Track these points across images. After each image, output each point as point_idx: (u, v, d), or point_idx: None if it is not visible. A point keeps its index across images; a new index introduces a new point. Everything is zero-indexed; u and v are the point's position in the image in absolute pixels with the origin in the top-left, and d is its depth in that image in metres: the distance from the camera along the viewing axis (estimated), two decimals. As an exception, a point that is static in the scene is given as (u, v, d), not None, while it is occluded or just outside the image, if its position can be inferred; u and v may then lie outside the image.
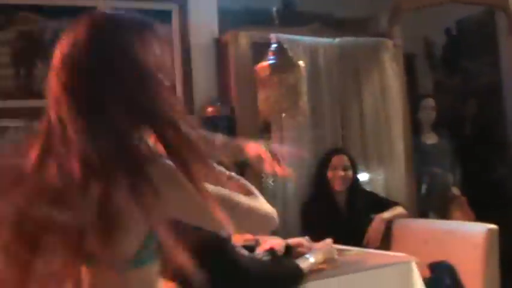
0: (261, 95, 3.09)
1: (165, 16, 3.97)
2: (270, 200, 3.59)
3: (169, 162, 1.21)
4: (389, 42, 4.34)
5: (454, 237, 3.54)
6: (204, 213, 1.24)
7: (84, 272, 1.28)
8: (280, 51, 3.04)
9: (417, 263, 2.80)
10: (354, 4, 4.97)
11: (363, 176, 4.22)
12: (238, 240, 2.84)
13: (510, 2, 4.80)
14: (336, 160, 3.89)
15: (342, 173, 3.85)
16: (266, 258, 2.67)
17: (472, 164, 5.41)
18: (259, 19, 3.86)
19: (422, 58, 6.73)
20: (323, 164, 3.94)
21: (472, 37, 6.43)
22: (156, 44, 1.30)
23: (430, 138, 4.86)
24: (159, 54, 1.29)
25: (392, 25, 4.41)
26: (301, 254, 2.69)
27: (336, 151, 3.98)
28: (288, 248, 2.85)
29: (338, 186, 3.84)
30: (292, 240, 2.95)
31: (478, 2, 5.07)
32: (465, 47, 6.46)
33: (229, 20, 4.20)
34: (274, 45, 3.05)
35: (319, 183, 3.95)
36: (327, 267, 2.65)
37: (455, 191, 4.67)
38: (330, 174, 3.88)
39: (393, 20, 4.42)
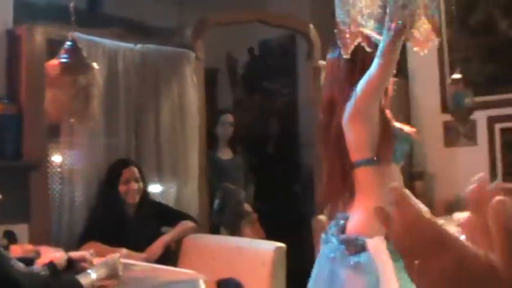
0: (49, 95, 2.87)
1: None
2: (57, 207, 3.39)
3: None
4: (192, 55, 4.27)
5: (242, 255, 3.60)
6: None
7: None
8: (74, 50, 2.85)
9: (205, 280, 2.76)
10: (161, 13, 4.87)
11: (155, 188, 4.13)
12: (16, 251, 2.63)
13: (311, 28, 5.00)
14: (127, 173, 3.76)
15: (135, 185, 3.73)
16: (44, 273, 2.47)
17: (267, 182, 5.56)
18: (61, 16, 3.62)
19: (225, 74, 5.94)
20: (114, 176, 3.78)
21: (274, 58, 6.45)
22: None
23: (226, 154, 4.89)
24: None
25: (197, 38, 4.36)
26: (84, 269, 2.53)
27: (126, 163, 3.84)
28: (70, 262, 2.67)
29: (132, 199, 3.71)
30: (75, 254, 2.78)
31: (281, 24, 5.20)
32: (266, 67, 6.41)
33: (27, 12, 3.88)
34: (68, 43, 2.85)
35: (109, 194, 3.77)
36: (110, 284, 2.51)
37: (247, 207, 4.74)
38: (122, 187, 3.73)
39: (198, 33, 4.37)
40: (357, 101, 2.28)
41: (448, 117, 5.01)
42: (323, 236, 2.47)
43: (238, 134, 5.13)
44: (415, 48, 1.94)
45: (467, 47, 4.94)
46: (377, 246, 2.19)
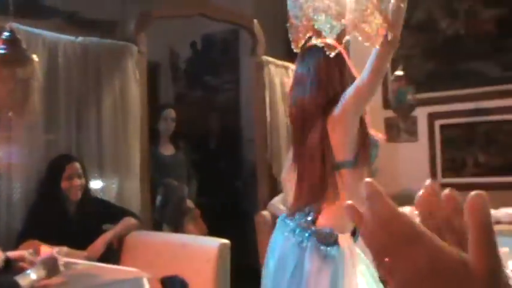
0: (-15, 89, 2.76)
1: None
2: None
3: None
4: (134, 48, 4.19)
5: (187, 251, 3.57)
6: None
7: None
8: (13, 41, 2.76)
9: (149, 278, 2.72)
10: (103, 5, 4.78)
11: (97, 184, 4.05)
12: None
13: (255, 23, 4.98)
14: (70, 169, 3.66)
15: (78, 181, 3.65)
16: (-20, 274, 2.39)
17: (209, 177, 5.52)
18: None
19: (166, 68, 5.81)
20: (56, 172, 3.67)
21: (216, 53, 6.48)
22: None
23: (168, 150, 4.83)
24: None
25: (139, 31, 4.28)
26: (23, 269, 2.45)
27: (69, 159, 3.74)
28: (8, 262, 2.59)
29: (75, 195, 3.63)
30: (13, 254, 2.70)
31: (224, 19, 5.17)
32: (209, 62, 6.47)
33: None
34: (6, 34, 2.74)
35: (50, 190, 3.65)
36: (51, 284, 2.43)
37: (190, 203, 4.71)
38: (65, 184, 3.63)
39: (140, 26, 4.29)
40: (346, 104, 2.41)
41: (389, 113, 5.09)
42: (286, 223, 2.53)
43: (180, 129, 5.07)
44: (366, 44, 1.93)
45: (409, 44, 5.02)
46: (348, 242, 2.33)
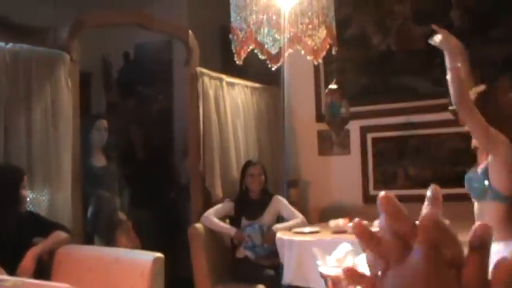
0: None
1: None
2: None
3: None
4: (67, 57, 4.09)
5: (120, 265, 3.48)
6: None
7: None
8: None
9: (81, 294, 2.64)
10: (35, 11, 4.66)
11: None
12: None
13: (190, 34, 4.95)
14: (24, 180, 3.57)
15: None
16: None
17: (142, 189, 5.43)
18: None
19: (98, 78, 5.82)
20: (16, 180, 3.54)
21: (149, 63, 6.46)
22: None
23: (100, 161, 4.72)
24: None
25: (72, 39, 4.18)
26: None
27: (22, 170, 3.61)
28: None
29: (24, 206, 3.53)
30: None
31: (159, 29, 5.11)
32: (142, 72, 6.45)
33: None
34: None
35: (8, 199, 3.52)
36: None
37: (122, 215, 4.61)
38: (23, 193, 3.56)
39: (73, 33, 4.19)
40: None
41: (322, 126, 5.15)
42: None
43: (112, 140, 4.95)
44: (309, 57, 1.93)
45: (342, 59, 5.09)
46: None
